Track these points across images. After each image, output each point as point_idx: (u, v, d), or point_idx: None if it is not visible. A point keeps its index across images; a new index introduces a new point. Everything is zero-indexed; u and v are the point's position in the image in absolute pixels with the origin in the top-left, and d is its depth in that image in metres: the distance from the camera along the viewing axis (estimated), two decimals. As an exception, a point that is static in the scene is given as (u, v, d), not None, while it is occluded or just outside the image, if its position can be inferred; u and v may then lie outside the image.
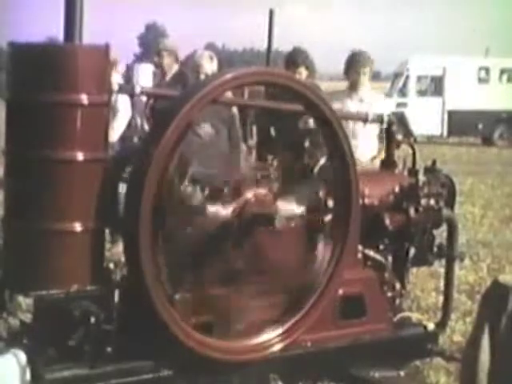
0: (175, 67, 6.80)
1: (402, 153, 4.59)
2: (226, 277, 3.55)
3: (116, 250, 4.24)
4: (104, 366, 3.35)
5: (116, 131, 6.96)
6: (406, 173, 4.37)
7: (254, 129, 6.07)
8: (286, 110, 4.29)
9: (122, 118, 6.96)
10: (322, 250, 3.86)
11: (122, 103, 6.87)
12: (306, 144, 4.07)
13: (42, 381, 3.23)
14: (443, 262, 4.48)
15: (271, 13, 6.32)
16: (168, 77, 6.83)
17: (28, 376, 3.22)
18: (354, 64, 6.07)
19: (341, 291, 3.93)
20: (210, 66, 5.90)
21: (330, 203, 3.85)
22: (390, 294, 4.19)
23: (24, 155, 3.40)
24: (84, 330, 3.28)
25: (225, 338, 3.59)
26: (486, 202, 10.84)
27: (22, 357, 3.22)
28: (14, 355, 3.22)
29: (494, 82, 23.04)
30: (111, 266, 3.55)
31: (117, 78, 6.09)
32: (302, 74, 5.94)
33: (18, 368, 3.20)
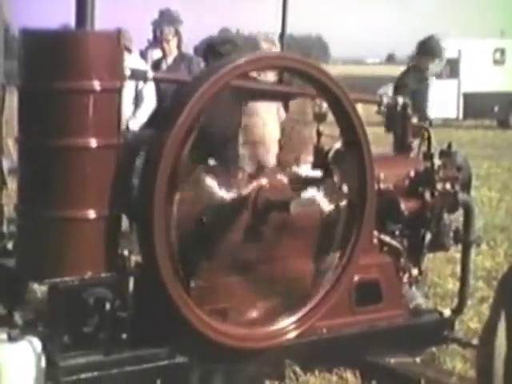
0: (175, 51, 7.19)
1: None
2: (241, 264, 3.53)
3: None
4: (119, 352, 3.35)
5: (140, 119, 7.00)
6: (421, 156, 4.33)
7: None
8: (298, 93, 4.25)
9: (146, 105, 7.00)
10: (338, 236, 3.83)
11: (148, 91, 6.93)
12: (320, 128, 4.03)
13: (57, 368, 3.23)
14: (460, 247, 4.44)
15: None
16: (169, 59, 7.20)
17: (43, 363, 3.22)
18: None
19: (356, 277, 3.91)
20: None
21: (345, 188, 3.81)
22: (405, 280, 4.16)
23: (37, 142, 3.39)
24: (99, 317, 3.28)
25: (240, 325, 3.58)
26: (502, 186, 10.70)
27: (37, 344, 3.23)
28: (29, 342, 3.22)
29: (510, 64, 22.77)
30: (126, 252, 3.54)
31: (136, 62, 6.08)
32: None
33: (33, 355, 3.21)
